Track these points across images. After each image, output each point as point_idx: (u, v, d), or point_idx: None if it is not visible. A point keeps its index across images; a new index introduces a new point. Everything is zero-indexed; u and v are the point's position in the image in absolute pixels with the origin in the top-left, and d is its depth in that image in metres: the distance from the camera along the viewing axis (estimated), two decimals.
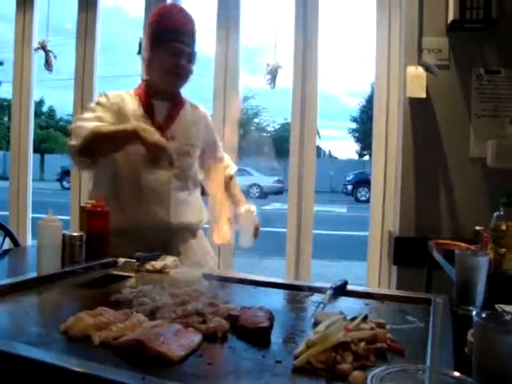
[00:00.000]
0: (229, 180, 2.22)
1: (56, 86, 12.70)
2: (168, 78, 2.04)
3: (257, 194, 16.12)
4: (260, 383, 0.89)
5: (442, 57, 2.72)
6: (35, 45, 3.64)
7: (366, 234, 3.11)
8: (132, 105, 2.05)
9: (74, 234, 1.76)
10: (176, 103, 2.13)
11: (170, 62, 2.00)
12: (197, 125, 2.17)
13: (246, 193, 2.28)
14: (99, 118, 1.95)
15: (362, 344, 1.00)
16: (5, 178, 5.18)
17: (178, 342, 1.02)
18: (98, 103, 2.03)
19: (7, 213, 3.80)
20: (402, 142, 2.78)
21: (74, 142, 1.89)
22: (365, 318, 1.13)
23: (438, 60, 2.71)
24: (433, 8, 2.72)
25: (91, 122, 1.92)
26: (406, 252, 2.72)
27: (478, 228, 2.33)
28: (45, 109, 27.46)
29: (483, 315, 0.87)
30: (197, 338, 1.06)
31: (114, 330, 1.06)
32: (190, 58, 2.05)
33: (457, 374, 0.64)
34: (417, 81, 2.66)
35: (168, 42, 1.99)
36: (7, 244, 2.50)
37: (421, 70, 2.67)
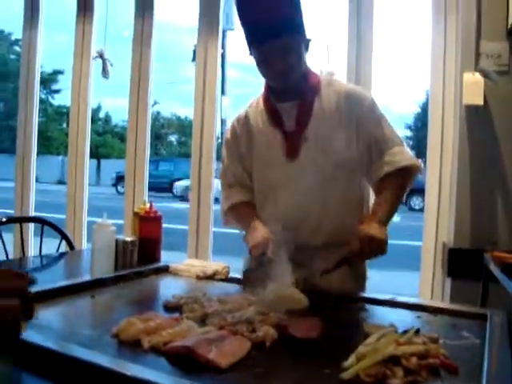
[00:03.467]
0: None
1: (112, 92, 13.05)
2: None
3: None
4: None
5: (502, 62, 2.62)
6: (93, 53, 3.76)
7: (419, 244, 3.03)
8: (256, 119, 1.79)
9: (127, 238, 1.80)
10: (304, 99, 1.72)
11: None
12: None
13: None
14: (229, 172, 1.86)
15: (414, 359, 0.97)
16: (64, 183, 5.36)
17: (226, 349, 1.02)
18: (226, 143, 1.88)
19: (64, 216, 3.92)
20: (457, 150, 2.70)
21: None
22: (417, 332, 1.10)
23: (496, 65, 2.62)
24: (491, 11, 2.63)
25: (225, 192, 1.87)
26: (461, 264, 2.63)
27: None
28: (101, 115, 28.34)
29: None
30: (245, 345, 1.06)
31: (163, 335, 1.07)
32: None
33: None
34: (474, 87, 2.57)
35: None
36: (63, 247, 2.58)
37: (478, 76, 2.59)
